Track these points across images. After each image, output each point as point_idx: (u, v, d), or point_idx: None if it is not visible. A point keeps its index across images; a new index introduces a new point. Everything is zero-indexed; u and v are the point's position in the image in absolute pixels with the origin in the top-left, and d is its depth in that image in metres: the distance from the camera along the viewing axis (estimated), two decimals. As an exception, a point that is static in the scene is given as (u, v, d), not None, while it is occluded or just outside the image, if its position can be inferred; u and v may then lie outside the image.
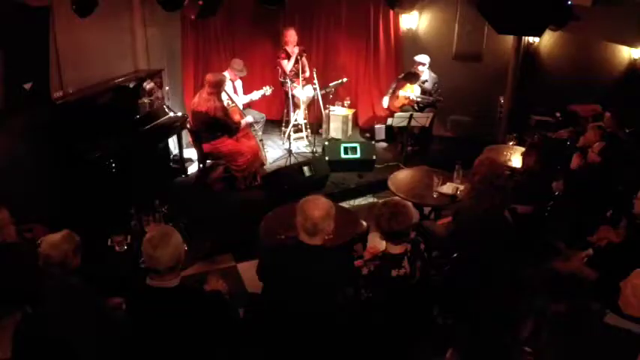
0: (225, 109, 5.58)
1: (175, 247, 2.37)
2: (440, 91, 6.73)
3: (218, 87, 5.46)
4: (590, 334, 2.22)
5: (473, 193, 3.52)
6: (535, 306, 2.17)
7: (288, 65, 6.72)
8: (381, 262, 2.76)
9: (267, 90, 6.38)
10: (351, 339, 2.71)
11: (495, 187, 3.35)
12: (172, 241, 2.37)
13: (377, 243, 3.31)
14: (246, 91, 6.57)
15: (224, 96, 5.85)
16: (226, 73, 6.19)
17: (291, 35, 6.71)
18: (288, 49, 6.73)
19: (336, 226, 2.74)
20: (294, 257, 2.68)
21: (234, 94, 6.41)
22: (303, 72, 6.59)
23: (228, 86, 6.08)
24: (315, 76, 6.58)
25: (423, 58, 6.69)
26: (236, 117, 5.93)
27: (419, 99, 6.71)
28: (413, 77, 6.81)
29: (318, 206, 2.61)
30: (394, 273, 2.72)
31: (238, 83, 6.52)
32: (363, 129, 7.69)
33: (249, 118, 6.11)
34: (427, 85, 6.75)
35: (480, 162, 3.63)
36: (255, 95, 6.42)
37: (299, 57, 6.53)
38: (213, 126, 5.51)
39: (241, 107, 6.27)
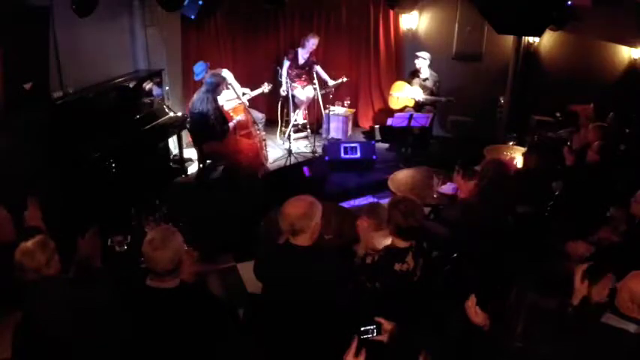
0: (217, 112, 5.54)
1: (175, 251, 2.35)
2: (440, 91, 6.74)
3: (215, 88, 5.44)
4: (586, 332, 2.21)
5: (478, 193, 3.52)
6: (526, 300, 2.17)
7: (291, 65, 6.75)
8: (386, 254, 2.77)
9: (265, 87, 6.38)
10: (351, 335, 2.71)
11: (501, 189, 3.35)
12: (172, 243, 2.35)
13: (378, 240, 3.31)
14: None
15: (231, 94, 5.84)
16: (226, 72, 6.18)
17: (314, 45, 6.72)
18: (300, 51, 6.73)
19: (336, 226, 2.74)
20: (284, 258, 2.68)
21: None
22: (312, 80, 6.67)
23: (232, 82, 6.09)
24: (315, 76, 6.60)
25: (422, 54, 6.72)
26: (239, 115, 5.94)
27: (422, 100, 6.71)
28: (412, 74, 6.83)
29: (295, 205, 2.61)
30: (397, 267, 2.72)
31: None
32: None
33: (257, 115, 6.15)
34: (428, 84, 6.75)
35: (488, 163, 3.63)
36: (253, 93, 6.42)
37: (309, 67, 6.60)
38: (205, 127, 5.52)
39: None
